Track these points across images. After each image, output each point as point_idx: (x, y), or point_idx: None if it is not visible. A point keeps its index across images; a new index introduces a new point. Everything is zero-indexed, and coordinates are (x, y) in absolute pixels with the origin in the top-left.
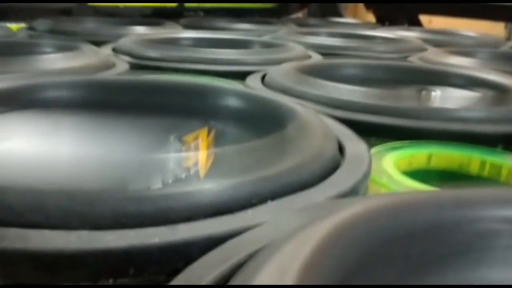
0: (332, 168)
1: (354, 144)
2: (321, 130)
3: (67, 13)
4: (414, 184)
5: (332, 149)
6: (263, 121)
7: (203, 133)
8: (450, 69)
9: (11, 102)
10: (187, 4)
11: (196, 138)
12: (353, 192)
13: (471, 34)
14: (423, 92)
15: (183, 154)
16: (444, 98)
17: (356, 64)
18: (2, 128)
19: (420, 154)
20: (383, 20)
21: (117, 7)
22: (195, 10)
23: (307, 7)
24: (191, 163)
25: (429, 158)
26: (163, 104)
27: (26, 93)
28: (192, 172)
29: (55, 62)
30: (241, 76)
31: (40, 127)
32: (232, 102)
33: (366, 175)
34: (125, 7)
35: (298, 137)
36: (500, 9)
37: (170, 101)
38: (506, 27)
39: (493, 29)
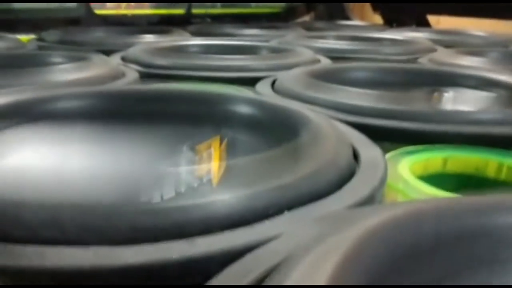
0: (348, 176)
1: (368, 149)
2: (335, 136)
3: (75, 23)
4: (430, 189)
5: (347, 155)
6: (276, 128)
7: (215, 142)
8: (461, 70)
9: (23, 115)
10: (194, 11)
11: (209, 147)
12: (371, 199)
13: (480, 33)
14: (435, 94)
15: (197, 165)
16: (457, 100)
17: (366, 67)
18: (14, 141)
19: (435, 158)
20: (390, 22)
21: (125, 15)
22: (202, 16)
23: (314, 11)
24: (205, 173)
25: (445, 162)
26: (175, 113)
27: (38, 105)
28: (207, 183)
29: (65, 73)
30: (251, 82)
31: (53, 140)
32: (244, 109)
33: (383, 181)
34: (133, 16)
35: (312, 144)
36: (509, 7)
37: (182, 110)
38: None
39: (502, 27)
